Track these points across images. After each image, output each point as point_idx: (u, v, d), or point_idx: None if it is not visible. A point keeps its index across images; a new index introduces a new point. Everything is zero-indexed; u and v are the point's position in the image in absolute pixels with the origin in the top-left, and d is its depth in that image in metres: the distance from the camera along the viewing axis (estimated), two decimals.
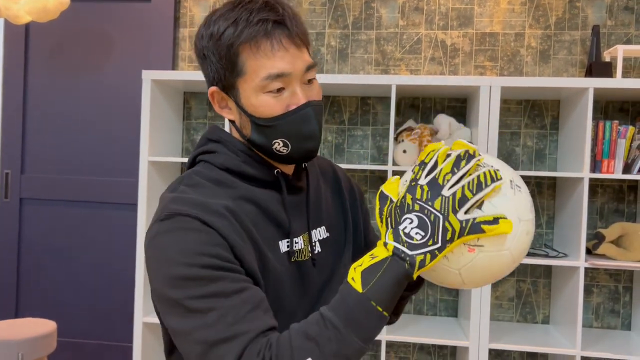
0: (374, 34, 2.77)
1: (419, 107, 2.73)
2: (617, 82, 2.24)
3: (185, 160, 2.48)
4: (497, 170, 0.80)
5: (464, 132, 2.46)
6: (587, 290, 2.63)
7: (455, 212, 0.76)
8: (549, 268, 2.66)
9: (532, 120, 2.67)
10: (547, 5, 2.67)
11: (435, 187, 0.78)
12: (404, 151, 2.44)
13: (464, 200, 0.77)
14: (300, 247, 0.98)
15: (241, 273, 0.85)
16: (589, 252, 2.43)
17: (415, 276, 0.78)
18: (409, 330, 2.48)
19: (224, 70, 0.91)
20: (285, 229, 0.96)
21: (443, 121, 2.46)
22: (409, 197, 0.80)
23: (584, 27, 2.65)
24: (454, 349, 2.72)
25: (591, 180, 2.61)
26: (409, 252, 0.77)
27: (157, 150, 2.58)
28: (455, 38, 2.72)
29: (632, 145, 2.34)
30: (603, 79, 2.24)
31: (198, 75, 2.44)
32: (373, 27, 2.77)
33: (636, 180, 2.59)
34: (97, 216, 3.02)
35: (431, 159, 0.81)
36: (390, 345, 2.76)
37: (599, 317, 2.64)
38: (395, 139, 2.54)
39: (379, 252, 0.80)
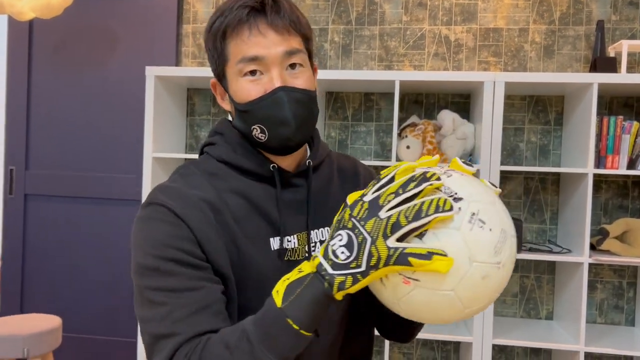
0: (377, 30, 2.77)
1: (423, 102, 2.72)
2: (622, 77, 2.24)
3: (189, 156, 2.49)
4: (457, 199, 0.71)
5: (467, 127, 2.45)
6: (591, 286, 2.63)
7: (385, 237, 0.69)
8: (552, 264, 2.66)
9: (536, 115, 2.66)
10: (551, 0, 2.66)
11: (374, 206, 0.72)
12: (408, 147, 2.44)
13: (397, 226, 0.69)
14: (293, 246, 0.94)
15: (205, 269, 0.85)
16: (593, 247, 2.42)
17: (339, 297, 0.74)
18: None
19: (216, 59, 0.93)
20: (277, 226, 0.93)
21: (447, 117, 2.46)
22: (347, 211, 0.74)
23: (589, 22, 2.64)
24: (457, 344, 2.72)
25: (595, 176, 2.61)
26: (330, 272, 0.73)
27: (161, 147, 2.59)
28: (459, 33, 2.71)
29: (636, 140, 2.33)
30: (607, 74, 2.23)
31: (201, 72, 2.44)
32: (376, 22, 2.76)
33: None
34: (101, 212, 3.03)
35: (388, 174, 0.74)
36: None
37: (603, 312, 2.63)
38: (399, 134, 2.54)
39: (306, 267, 0.76)
